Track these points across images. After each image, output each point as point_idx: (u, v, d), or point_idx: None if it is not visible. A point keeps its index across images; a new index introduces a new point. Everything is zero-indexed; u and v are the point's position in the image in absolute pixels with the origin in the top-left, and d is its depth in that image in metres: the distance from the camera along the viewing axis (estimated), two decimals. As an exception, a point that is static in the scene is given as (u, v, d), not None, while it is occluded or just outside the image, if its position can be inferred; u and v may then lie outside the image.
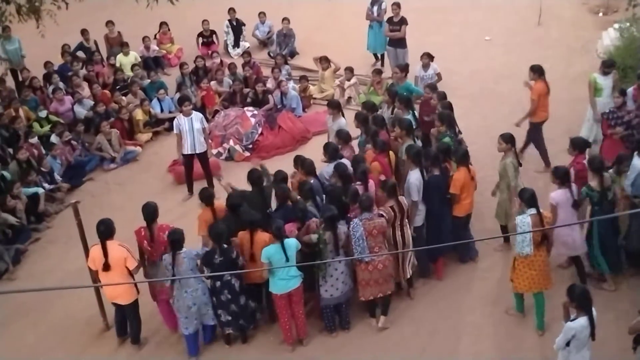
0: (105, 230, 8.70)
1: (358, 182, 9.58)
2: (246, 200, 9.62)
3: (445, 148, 10.16)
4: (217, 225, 8.88)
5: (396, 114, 11.61)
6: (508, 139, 10.02)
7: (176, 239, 8.59)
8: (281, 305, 8.93)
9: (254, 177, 9.87)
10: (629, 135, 10.86)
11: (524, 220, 8.58)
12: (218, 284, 8.83)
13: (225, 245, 8.72)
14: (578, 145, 9.93)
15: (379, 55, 16.85)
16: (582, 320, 7.27)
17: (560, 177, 9.24)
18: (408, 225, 9.46)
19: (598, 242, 9.42)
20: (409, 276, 9.68)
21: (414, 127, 11.12)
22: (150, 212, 9.03)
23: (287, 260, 8.54)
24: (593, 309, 7.36)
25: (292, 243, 8.64)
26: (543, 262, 8.82)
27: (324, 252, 8.79)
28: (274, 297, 8.93)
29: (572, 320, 7.34)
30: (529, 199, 8.67)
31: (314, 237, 8.79)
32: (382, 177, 9.93)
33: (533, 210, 8.63)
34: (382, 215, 9.01)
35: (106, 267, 8.68)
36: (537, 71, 11.98)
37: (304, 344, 9.26)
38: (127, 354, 9.42)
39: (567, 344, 7.37)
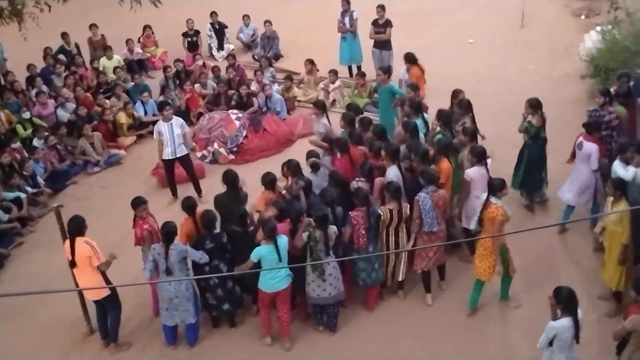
0: (75, 228, 8.81)
1: (362, 179, 9.68)
2: (221, 201, 9.77)
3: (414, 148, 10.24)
4: (208, 213, 9.14)
5: (405, 115, 11.70)
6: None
7: (170, 232, 8.79)
8: (265, 300, 9.02)
9: (229, 178, 9.95)
10: (607, 136, 10.94)
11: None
12: (207, 269, 9.00)
13: (215, 231, 9.00)
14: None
15: (356, 67, 16.49)
16: (565, 321, 7.30)
17: (477, 155, 9.87)
18: (405, 231, 9.52)
19: (524, 171, 10.99)
20: (400, 279, 9.73)
21: (425, 131, 11.27)
22: (134, 202, 9.43)
23: (280, 260, 8.62)
24: (579, 310, 7.40)
25: (284, 243, 8.70)
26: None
27: (315, 250, 8.81)
28: (259, 293, 9.00)
29: (555, 320, 7.38)
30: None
31: (305, 235, 8.83)
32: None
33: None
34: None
35: (72, 264, 8.85)
36: (410, 59, 13.75)
37: (286, 347, 9.25)
38: (111, 357, 9.38)
39: (551, 344, 7.40)
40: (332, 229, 8.87)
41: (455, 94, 11.89)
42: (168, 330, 9.31)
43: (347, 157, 10.40)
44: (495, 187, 9.06)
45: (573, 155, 10.67)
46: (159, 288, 9.04)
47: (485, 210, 9.00)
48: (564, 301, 7.35)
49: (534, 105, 10.82)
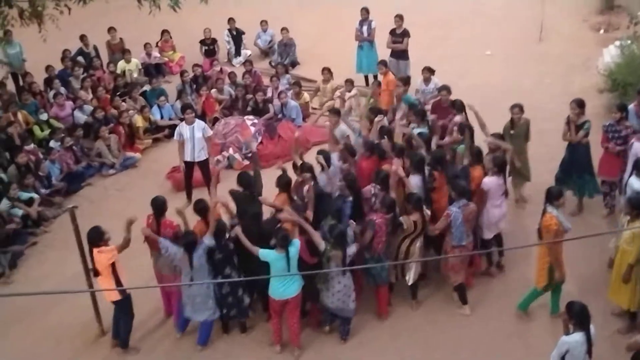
0: (91, 238, 8.87)
1: (378, 187, 9.61)
2: (237, 198, 9.83)
3: (438, 156, 10.23)
4: (219, 223, 9.16)
5: (411, 127, 11.60)
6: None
7: (191, 241, 8.84)
8: (275, 308, 9.02)
9: (244, 180, 9.96)
10: (624, 151, 10.86)
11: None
12: (219, 278, 9.08)
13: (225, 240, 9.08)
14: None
15: (373, 76, 16.44)
16: (578, 336, 7.25)
17: (498, 165, 9.86)
18: (422, 240, 9.48)
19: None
20: (410, 282, 9.67)
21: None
22: (158, 205, 9.34)
23: (289, 270, 8.60)
24: (592, 326, 7.34)
25: (296, 252, 8.68)
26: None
27: (325, 267, 8.78)
28: (270, 300, 8.99)
29: (567, 335, 7.32)
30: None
31: (322, 244, 8.77)
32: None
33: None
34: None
35: (95, 273, 8.98)
36: (386, 65, 14.61)
37: (295, 356, 9.23)
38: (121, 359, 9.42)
39: (562, 359, 7.34)
40: (352, 249, 8.86)
41: (512, 107, 11.61)
42: (182, 319, 9.46)
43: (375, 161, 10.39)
44: (552, 195, 8.93)
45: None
46: (183, 287, 9.14)
47: (541, 219, 8.90)
48: (577, 316, 7.30)
49: (582, 105, 11.02)
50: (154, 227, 9.29)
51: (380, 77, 14.56)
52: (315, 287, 9.09)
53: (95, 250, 8.82)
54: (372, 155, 10.53)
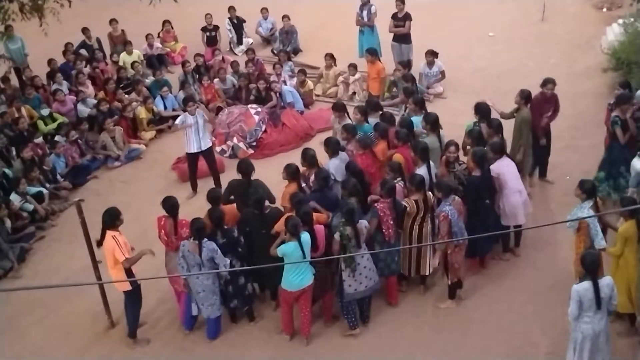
0: (106, 219, 8.91)
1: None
2: (233, 189, 9.88)
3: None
4: (214, 210, 9.16)
5: (408, 114, 11.52)
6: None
7: (200, 228, 8.77)
8: (288, 300, 9.00)
9: (243, 167, 10.01)
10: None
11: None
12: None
13: (225, 226, 9.05)
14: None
15: None
16: (587, 284, 7.43)
17: (495, 151, 9.82)
18: (430, 222, 9.40)
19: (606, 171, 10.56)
20: (428, 273, 9.67)
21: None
22: (172, 205, 9.27)
23: (305, 257, 8.56)
24: (609, 278, 7.58)
25: (307, 239, 8.65)
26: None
27: (348, 247, 8.72)
28: (283, 292, 8.96)
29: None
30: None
31: (337, 235, 8.75)
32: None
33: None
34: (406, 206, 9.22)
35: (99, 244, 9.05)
36: (373, 54, 14.67)
37: (307, 344, 9.24)
38: (131, 351, 9.44)
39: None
40: (363, 223, 8.82)
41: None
42: (188, 317, 9.43)
43: (368, 154, 10.31)
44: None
45: None
46: (186, 284, 9.13)
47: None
48: (585, 264, 7.49)
49: (625, 100, 10.46)
50: (168, 228, 9.23)
51: (368, 66, 14.61)
52: (329, 277, 9.02)
53: (108, 232, 8.81)
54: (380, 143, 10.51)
